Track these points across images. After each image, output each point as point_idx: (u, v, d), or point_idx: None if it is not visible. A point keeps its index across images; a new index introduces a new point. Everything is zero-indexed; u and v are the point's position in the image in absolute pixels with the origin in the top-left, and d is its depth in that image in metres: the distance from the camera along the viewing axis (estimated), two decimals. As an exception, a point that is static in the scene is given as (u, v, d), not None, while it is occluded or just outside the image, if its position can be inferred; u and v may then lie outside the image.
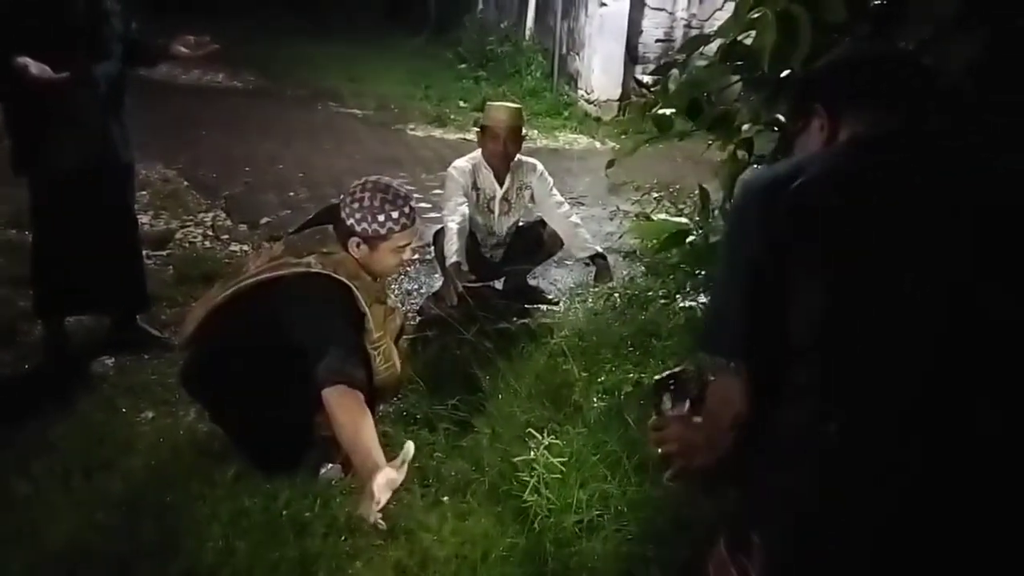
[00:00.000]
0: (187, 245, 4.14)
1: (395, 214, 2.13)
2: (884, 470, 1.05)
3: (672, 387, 1.37)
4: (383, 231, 2.13)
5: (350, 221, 2.13)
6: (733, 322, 1.11)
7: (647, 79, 2.25)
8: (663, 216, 2.58)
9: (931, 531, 1.04)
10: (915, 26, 1.59)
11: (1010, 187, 1.13)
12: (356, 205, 2.12)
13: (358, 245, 2.14)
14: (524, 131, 3.48)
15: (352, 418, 1.86)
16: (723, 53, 1.94)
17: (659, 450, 1.34)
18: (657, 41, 7.85)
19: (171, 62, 3.01)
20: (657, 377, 1.40)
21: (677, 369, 1.40)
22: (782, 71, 1.80)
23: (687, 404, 1.34)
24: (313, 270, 2.08)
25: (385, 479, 1.66)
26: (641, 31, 7.98)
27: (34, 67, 2.39)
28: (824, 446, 1.07)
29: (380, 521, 1.64)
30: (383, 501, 1.65)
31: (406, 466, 1.70)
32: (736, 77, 1.94)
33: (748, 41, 1.91)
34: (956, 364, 1.04)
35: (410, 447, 1.73)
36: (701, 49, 2.11)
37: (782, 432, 1.11)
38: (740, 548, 1.19)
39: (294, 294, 2.06)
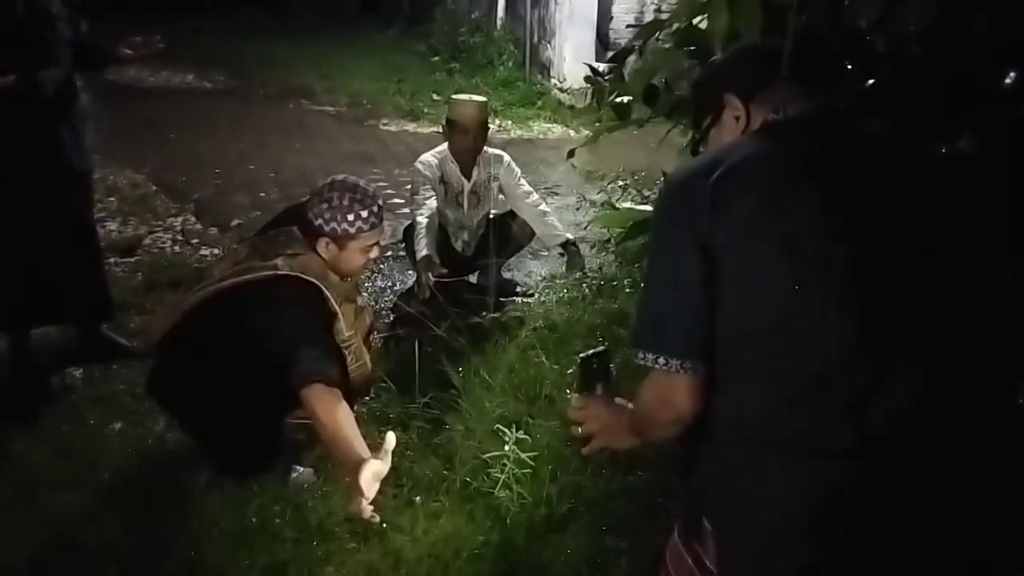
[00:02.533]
0: (156, 251, 4.09)
1: (364, 213, 2.11)
2: (822, 451, 1.05)
3: (595, 366, 1.39)
4: (352, 230, 2.11)
5: (318, 221, 2.11)
6: (676, 319, 1.09)
7: (602, 67, 2.22)
8: (628, 204, 2.56)
9: (873, 506, 1.06)
10: (864, 3, 1.58)
11: (923, 167, 1.17)
12: (325, 206, 2.10)
13: (327, 245, 2.12)
14: (495, 122, 3.46)
15: (332, 415, 1.84)
16: (677, 38, 1.92)
17: (579, 428, 1.39)
18: (628, 27, 7.82)
19: (120, 64, 2.93)
20: (582, 355, 1.41)
21: (600, 349, 1.42)
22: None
23: (609, 384, 1.38)
24: (281, 272, 2.05)
25: (371, 472, 1.65)
26: (611, 17, 7.96)
27: None
28: (763, 431, 1.08)
29: (373, 514, 1.63)
30: (371, 495, 1.63)
31: (389, 456, 1.69)
32: (692, 61, 1.92)
33: (703, 25, 1.89)
34: (886, 347, 1.05)
35: (391, 437, 1.71)
36: (658, 34, 2.09)
37: (721, 423, 1.11)
38: (693, 536, 1.18)
39: (263, 297, 2.03)
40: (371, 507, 1.62)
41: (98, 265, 2.99)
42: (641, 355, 1.11)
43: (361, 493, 1.60)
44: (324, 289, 2.08)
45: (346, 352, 2.15)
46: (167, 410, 2.35)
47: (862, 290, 1.05)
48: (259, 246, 2.18)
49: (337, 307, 2.11)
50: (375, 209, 2.14)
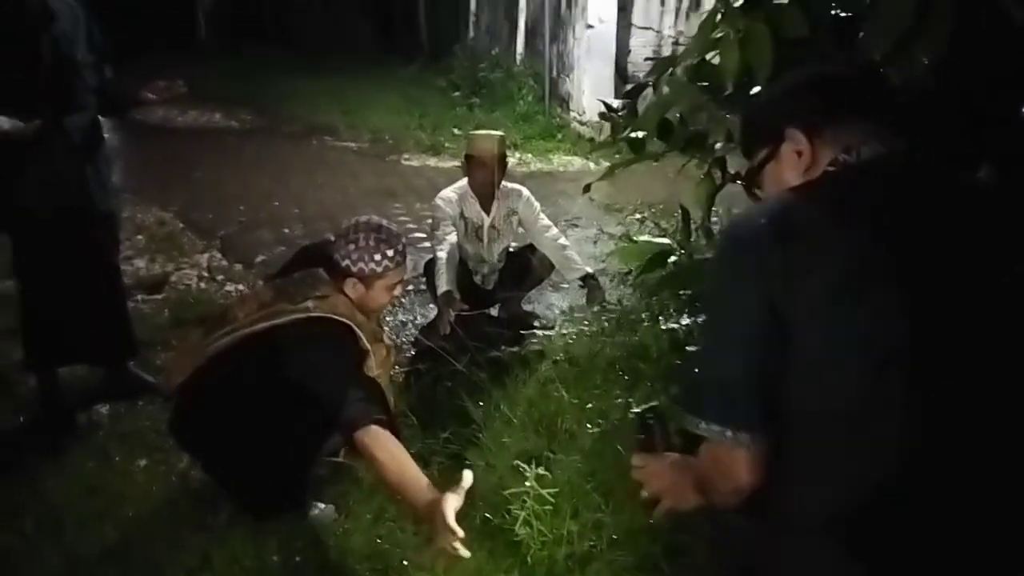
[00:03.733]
0: (182, 287, 4.15)
1: (390, 252, 2.16)
2: (886, 544, 0.95)
3: (651, 421, 1.33)
4: (380, 269, 2.15)
5: (345, 263, 2.15)
6: (742, 389, 0.99)
7: (616, 103, 2.25)
8: (645, 237, 2.57)
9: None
10: (876, 38, 1.59)
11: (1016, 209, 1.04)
12: (352, 247, 2.15)
13: (354, 285, 2.16)
14: (515, 156, 3.50)
15: (393, 455, 1.87)
16: (690, 73, 1.94)
17: (643, 490, 1.29)
18: (646, 59, 7.86)
19: (143, 106, 2.96)
20: (635, 410, 1.36)
21: (654, 404, 1.37)
22: (749, 89, 1.80)
23: (667, 439, 1.29)
24: (315, 314, 2.08)
25: (452, 508, 1.65)
26: (629, 50, 8.03)
27: (5, 122, 2.40)
28: (829, 521, 0.98)
29: (463, 549, 1.62)
30: (459, 532, 1.62)
31: (463, 492, 1.68)
32: (705, 97, 1.94)
33: (715, 61, 1.90)
34: (964, 435, 0.95)
35: (468, 475, 1.72)
36: (671, 70, 2.11)
37: (784, 506, 1.02)
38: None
39: (299, 339, 2.05)
40: (459, 546, 1.62)
41: (122, 305, 3.03)
42: (703, 425, 1.03)
43: (451, 530, 1.61)
44: (355, 328, 2.11)
45: (380, 382, 2.17)
46: (189, 452, 2.37)
47: (949, 378, 0.94)
48: (286, 289, 2.20)
49: (368, 345, 2.14)
50: (400, 248, 2.19)
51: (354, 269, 2.14)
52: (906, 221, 1.00)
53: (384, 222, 2.23)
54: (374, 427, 1.88)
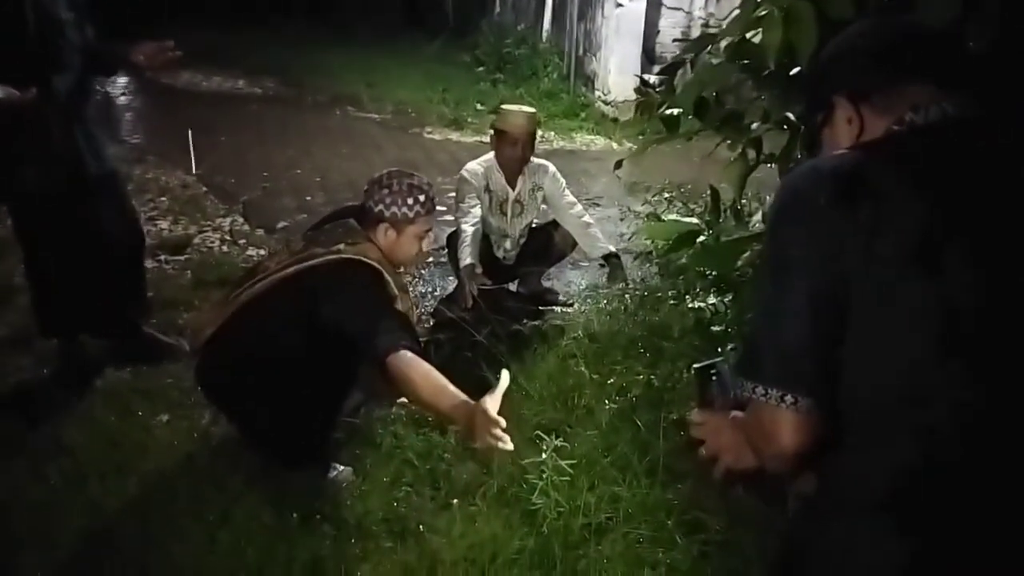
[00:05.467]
0: (205, 250, 4.18)
1: (421, 197, 2.24)
2: (939, 523, 0.94)
3: (714, 377, 1.29)
4: (411, 214, 2.22)
5: (378, 207, 2.22)
6: (792, 349, 0.97)
7: (653, 79, 2.24)
8: (674, 217, 2.56)
9: None
10: (924, 20, 1.57)
11: None
12: (385, 192, 2.22)
13: (386, 231, 2.22)
14: (539, 133, 3.48)
15: (427, 374, 1.88)
16: (730, 52, 1.92)
17: (702, 449, 1.26)
18: (674, 41, 7.79)
19: (134, 70, 2.86)
20: (697, 365, 1.31)
21: (718, 359, 1.31)
22: (790, 69, 1.78)
23: (731, 396, 1.24)
24: (346, 256, 2.14)
25: (492, 407, 1.65)
26: (658, 31, 7.95)
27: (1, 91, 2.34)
28: (885, 499, 0.95)
29: (507, 442, 1.62)
30: (501, 421, 1.63)
31: (501, 393, 1.69)
32: (744, 75, 1.92)
33: (757, 39, 1.89)
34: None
35: (505, 375, 1.73)
36: (709, 48, 2.09)
37: (838, 482, 0.99)
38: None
39: (333, 277, 2.11)
40: (504, 436, 1.62)
41: (132, 269, 2.95)
42: (762, 390, 1.00)
43: (494, 422, 1.61)
44: (384, 273, 2.17)
45: None
46: (216, 402, 2.39)
47: (1016, 355, 0.90)
48: (316, 238, 2.26)
49: (396, 292, 2.20)
50: (430, 195, 2.29)
51: (387, 214, 2.21)
52: (975, 185, 0.96)
53: (415, 173, 2.31)
54: (406, 351, 1.90)
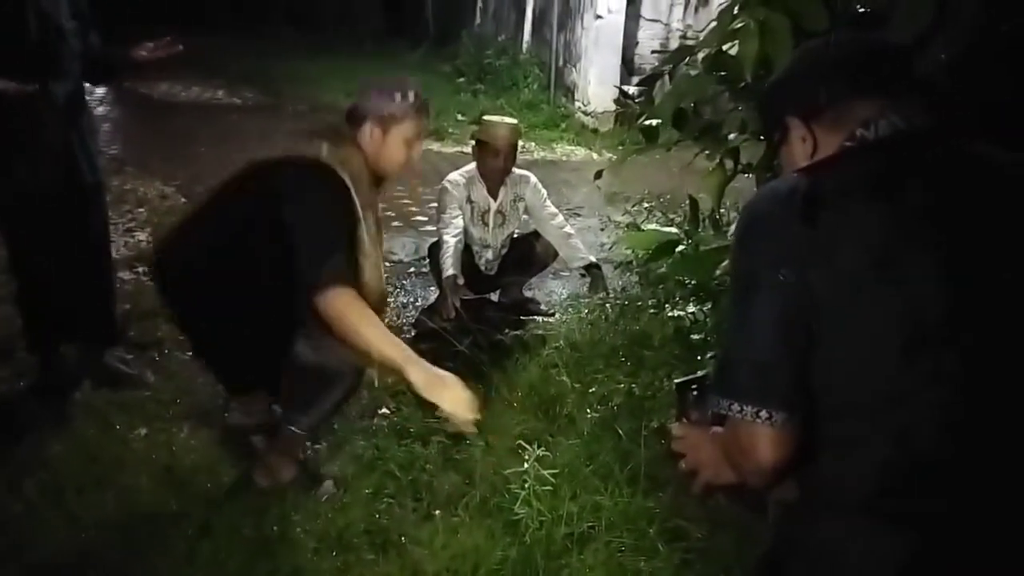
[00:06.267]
0: (184, 261, 4.14)
1: (410, 95, 2.14)
2: (922, 522, 0.96)
3: (695, 392, 1.31)
4: (397, 112, 2.12)
5: (366, 104, 2.13)
6: (766, 366, 0.99)
7: (632, 90, 2.26)
8: (653, 226, 2.58)
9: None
10: (896, 33, 1.60)
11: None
12: (372, 90, 2.14)
13: (371, 132, 2.12)
14: (520, 144, 3.49)
15: (366, 316, 1.79)
16: (707, 64, 1.95)
17: (682, 462, 1.28)
18: (653, 52, 7.89)
19: (137, 70, 2.80)
20: (678, 380, 1.33)
21: (700, 373, 1.33)
22: (766, 81, 1.81)
23: (710, 412, 1.24)
24: (322, 160, 1.99)
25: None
26: (637, 42, 8.03)
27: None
28: (863, 500, 0.98)
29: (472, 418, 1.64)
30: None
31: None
32: (721, 87, 1.95)
33: (733, 51, 1.91)
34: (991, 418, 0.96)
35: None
36: (687, 59, 2.12)
37: (817, 487, 1.02)
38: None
39: (295, 181, 1.96)
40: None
41: (106, 286, 2.90)
42: (735, 406, 1.02)
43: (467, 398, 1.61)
44: (352, 192, 2.02)
45: (366, 263, 2.08)
46: (172, 307, 2.26)
47: (982, 354, 0.94)
48: (300, 144, 2.13)
49: (361, 212, 2.05)
50: (420, 97, 2.18)
51: (372, 110, 2.11)
52: (928, 193, 0.99)
53: (407, 77, 2.22)
54: (347, 289, 1.78)
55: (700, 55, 2.02)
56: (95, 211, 2.80)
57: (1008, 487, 0.95)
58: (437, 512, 2.19)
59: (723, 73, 1.90)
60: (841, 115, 1.08)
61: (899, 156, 1.03)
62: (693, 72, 2.10)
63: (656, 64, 2.14)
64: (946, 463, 0.95)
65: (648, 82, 2.16)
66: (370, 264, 2.08)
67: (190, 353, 2.29)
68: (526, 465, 2.13)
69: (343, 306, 1.78)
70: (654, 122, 2.04)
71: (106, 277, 2.92)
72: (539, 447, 2.18)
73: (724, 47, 1.91)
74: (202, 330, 2.18)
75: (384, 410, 2.75)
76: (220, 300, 2.02)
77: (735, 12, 1.82)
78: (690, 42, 2.15)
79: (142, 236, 4.42)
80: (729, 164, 2.06)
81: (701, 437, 1.25)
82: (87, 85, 2.80)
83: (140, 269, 3.90)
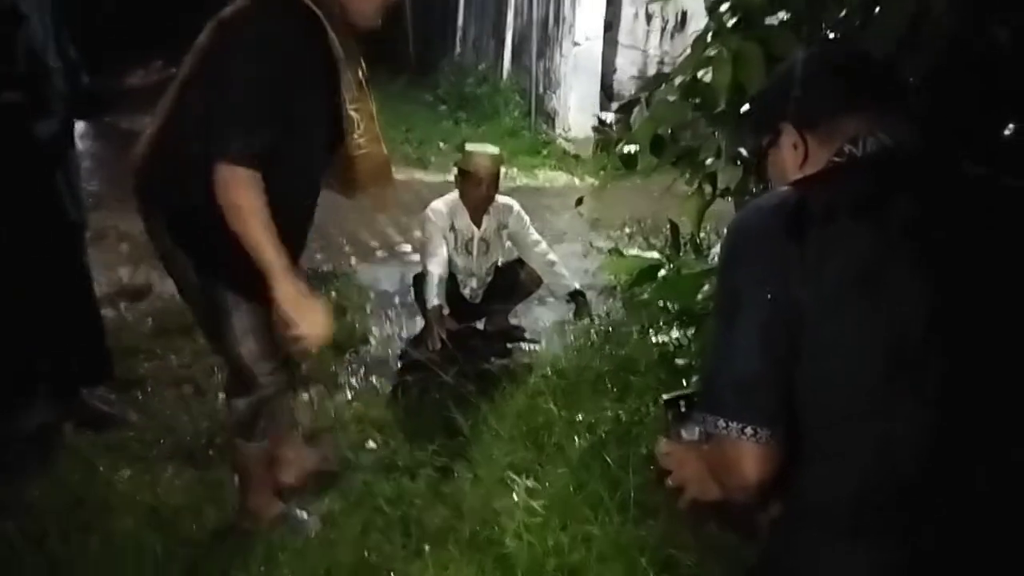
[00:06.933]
0: (166, 296, 4.10)
1: None
2: (901, 541, 0.97)
3: (682, 408, 1.31)
4: None
5: None
6: (752, 383, 1.00)
7: (609, 117, 2.28)
8: (635, 251, 2.60)
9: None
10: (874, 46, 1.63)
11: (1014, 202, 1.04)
12: None
13: None
14: (502, 171, 3.50)
15: (257, 211, 1.61)
16: (683, 90, 1.97)
17: (668, 479, 1.27)
18: (631, 78, 7.97)
19: (128, 99, 2.72)
20: (666, 397, 1.33)
21: (688, 390, 1.33)
22: (740, 106, 1.83)
23: (698, 430, 1.26)
24: None
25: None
26: (615, 69, 8.10)
27: None
28: (843, 518, 0.99)
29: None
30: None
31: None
32: (697, 113, 1.97)
33: (708, 78, 1.94)
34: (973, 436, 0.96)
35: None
36: (663, 85, 2.15)
37: (798, 503, 1.03)
38: None
39: (249, 23, 1.72)
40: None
41: (92, 324, 2.86)
42: (720, 422, 1.01)
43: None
44: (328, 29, 1.79)
45: (356, 116, 1.91)
46: (158, 209, 2.06)
47: (965, 370, 0.95)
48: None
49: (342, 54, 1.84)
50: None
51: None
52: (916, 211, 1.00)
53: None
54: (253, 174, 1.60)
55: (676, 81, 2.05)
56: (75, 249, 2.77)
57: (989, 502, 0.96)
58: (427, 547, 2.16)
59: (698, 100, 1.93)
60: (832, 129, 1.09)
61: (885, 174, 1.04)
62: (670, 98, 2.13)
63: (635, 90, 2.16)
64: (928, 478, 0.96)
65: (625, 109, 2.19)
66: (363, 115, 1.92)
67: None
68: (516, 497, 2.12)
69: (239, 193, 1.62)
70: (632, 148, 2.05)
71: (93, 314, 2.89)
72: (528, 477, 2.16)
73: (698, 74, 1.94)
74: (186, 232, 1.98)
75: (371, 444, 2.73)
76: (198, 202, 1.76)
77: (708, 40, 1.85)
78: (667, 69, 2.17)
79: (124, 272, 4.39)
80: (708, 188, 2.08)
81: (687, 453, 1.25)
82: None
83: (122, 305, 3.87)
